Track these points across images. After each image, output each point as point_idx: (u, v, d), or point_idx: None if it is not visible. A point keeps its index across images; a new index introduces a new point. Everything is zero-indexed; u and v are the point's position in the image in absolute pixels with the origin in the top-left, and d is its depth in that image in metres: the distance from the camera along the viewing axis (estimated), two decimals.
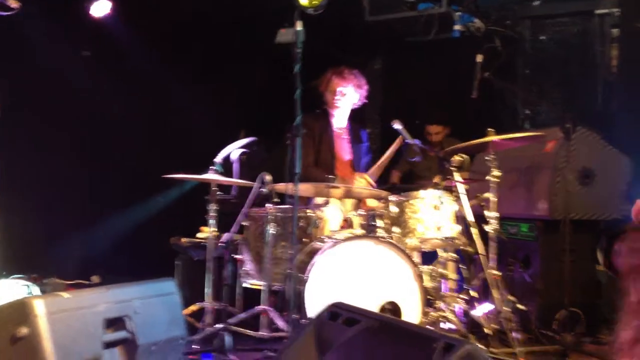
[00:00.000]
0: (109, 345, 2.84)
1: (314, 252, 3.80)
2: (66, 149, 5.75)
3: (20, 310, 2.62)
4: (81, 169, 5.83)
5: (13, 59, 5.05)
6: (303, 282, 3.67)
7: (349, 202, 4.64)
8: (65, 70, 5.60)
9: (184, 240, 4.89)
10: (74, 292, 3.23)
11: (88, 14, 5.49)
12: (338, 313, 2.68)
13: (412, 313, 3.72)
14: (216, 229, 4.23)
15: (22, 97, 4.97)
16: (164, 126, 5.96)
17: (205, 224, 4.34)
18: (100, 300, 2.95)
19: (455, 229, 4.10)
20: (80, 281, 5.45)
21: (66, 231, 5.64)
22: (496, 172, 4.05)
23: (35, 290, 4.91)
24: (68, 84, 5.62)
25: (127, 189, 5.84)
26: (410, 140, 4.54)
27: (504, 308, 3.85)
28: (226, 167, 4.85)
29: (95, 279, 5.60)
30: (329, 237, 3.94)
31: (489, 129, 4.05)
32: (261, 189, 4.14)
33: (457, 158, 4.09)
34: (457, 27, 5.92)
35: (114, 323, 2.89)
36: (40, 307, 2.60)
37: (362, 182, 4.57)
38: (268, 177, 4.12)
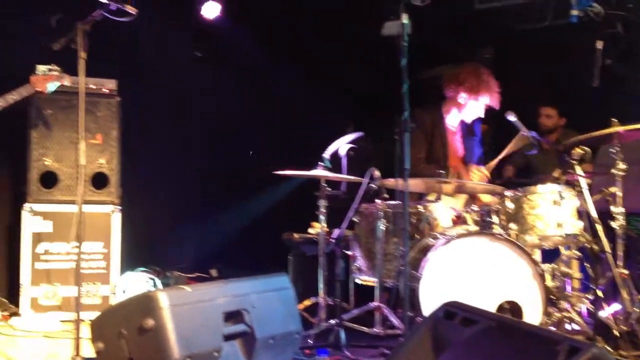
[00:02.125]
0: (229, 337, 2.93)
1: (426, 249, 3.75)
2: (184, 146, 5.98)
3: (146, 303, 2.75)
4: (198, 165, 6.05)
5: (130, 60, 5.27)
6: (416, 280, 3.63)
7: (462, 198, 4.53)
8: (179, 70, 5.82)
9: (296, 235, 4.97)
10: (195, 285, 3.37)
11: (200, 15, 5.69)
12: (454, 312, 2.62)
13: (533, 313, 3.60)
14: (326, 225, 4.27)
15: (139, 97, 5.18)
16: (272, 121, 6.07)
17: (316, 219, 4.38)
18: (219, 294, 3.05)
19: (577, 226, 3.92)
20: (200, 274, 5.65)
21: (186, 226, 5.87)
22: (622, 165, 3.82)
23: (159, 283, 5.16)
24: (182, 84, 5.84)
25: (241, 184, 6.00)
26: (526, 132, 4.37)
27: (634, 309, 3.64)
28: (335, 163, 4.87)
29: (213, 272, 5.79)
30: (442, 234, 3.87)
31: (612, 120, 3.83)
32: (370, 185, 4.12)
33: (578, 150, 3.89)
34: (574, 12, 5.62)
35: (233, 316, 2.98)
36: (164, 300, 2.72)
37: (477, 176, 4.45)
38: (377, 173, 4.10)
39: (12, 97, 3.81)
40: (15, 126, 4.60)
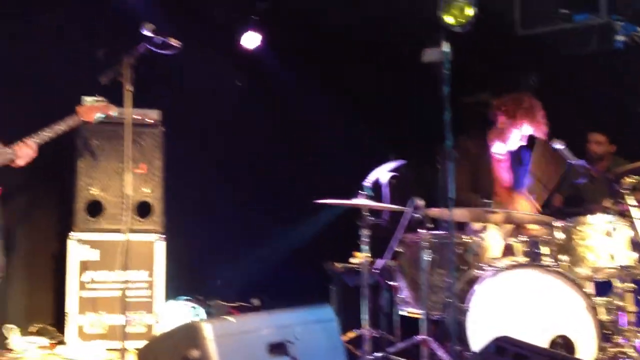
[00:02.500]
0: None
1: (473, 281, 3.66)
2: (226, 174, 6.01)
3: (191, 333, 2.74)
4: (240, 194, 6.07)
5: (172, 90, 5.36)
6: (464, 312, 3.54)
7: (509, 228, 4.44)
8: (220, 100, 5.90)
9: (337, 265, 4.92)
10: (239, 316, 3.35)
11: (240, 46, 5.77)
12: (505, 347, 2.56)
13: (586, 349, 3.46)
14: (369, 255, 4.22)
15: (181, 126, 5.25)
16: (314, 150, 6.07)
17: (358, 248, 4.33)
18: (263, 325, 3.02)
19: (631, 257, 3.79)
20: (242, 303, 5.64)
21: (228, 255, 5.88)
22: None
23: (201, 311, 5.16)
24: (223, 113, 5.91)
25: (283, 213, 6.00)
26: (573, 161, 4.28)
27: None
28: (376, 191, 4.83)
29: (255, 301, 5.77)
30: (489, 265, 3.77)
31: None
32: (413, 214, 4.07)
33: (629, 179, 3.79)
34: (619, 37, 5.52)
35: (277, 348, 2.94)
36: (209, 331, 2.70)
37: (525, 205, 4.35)
38: (420, 202, 4.04)
39: (60, 127, 3.89)
40: (63, 157, 4.69)
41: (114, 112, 4.23)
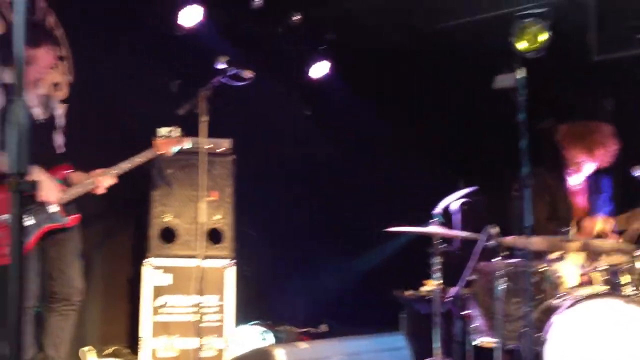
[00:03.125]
0: None
1: (551, 311, 3.56)
2: (295, 201, 6.07)
3: (264, 358, 2.76)
4: (309, 221, 6.11)
5: (243, 120, 5.46)
6: (541, 343, 3.44)
7: (587, 257, 4.29)
8: (289, 128, 5.99)
9: (408, 293, 4.87)
10: (309, 342, 3.36)
11: (308, 75, 5.84)
12: None
13: None
14: (441, 282, 4.16)
15: (249, 153, 5.33)
16: (382, 177, 6.05)
17: (429, 276, 4.28)
18: (334, 352, 3.02)
19: None
20: (310, 329, 5.64)
21: (297, 280, 5.91)
22: None
23: (270, 337, 5.18)
24: (291, 141, 5.99)
25: (352, 240, 5.99)
26: None
27: None
28: (446, 218, 4.77)
29: (323, 327, 5.75)
30: (568, 295, 3.67)
31: None
32: (487, 242, 3.99)
33: None
34: None
35: None
36: (281, 356, 2.72)
37: (603, 233, 4.20)
38: (494, 230, 3.97)
39: (138, 159, 4.02)
40: (138, 185, 4.84)
41: (188, 144, 4.34)
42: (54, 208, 3.71)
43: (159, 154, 4.17)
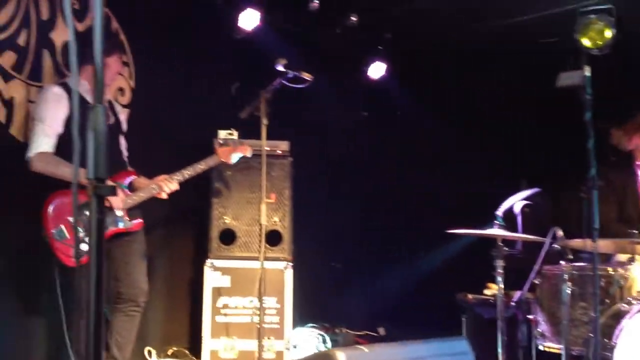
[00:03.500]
0: None
1: (620, 315, 3.46)
2: (353, 202, 6.05)
3: None
4: (367, 222, 6.08)
5: (302, 121, 5.48)
6: (610, 349, 3.35)
7: None
8: (347, 129, 5.97)
9: (470, 296, 4.79)
10: (370, 346, 3.33)
11: (366, 76, 5.82)
12: None
13: None
14: (503, 286, 4.08)
15: (309, 155, 5.34)
16: (441, 178, 5.98)
17: (491, 279, 4.20)
18: (396, 356, 2.99)
19: None
20: (368, 332, 5.61)
21: (355, 282, 5.89)
22: None
23: (328, 339, 5.18)
24: (350, 142, 5.98)
25: (409, 241, 5.95)
26: None
27: None
28: (508, 220, 4.68)
29: (381, 330, 5.72)
30: (638, 299, 3.55)
31: None
32: (552, 245, 3.90)
33: None
34: None
35: None
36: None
37: None
38: (560, 232, 3.87)
39: (200, 166, 4.10)
40: (199, 187, 4.91)
41: (249, 153, 4.40)
42: (119, 212, 3.80)
43: (221, 161, 4.21)
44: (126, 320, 3.93)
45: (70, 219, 3.54)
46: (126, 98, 4.72)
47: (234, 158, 4.30)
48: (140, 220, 3.94)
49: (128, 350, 3.99)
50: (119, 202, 3.78)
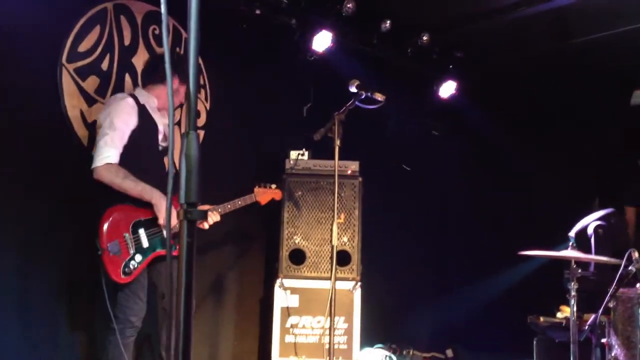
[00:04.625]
0: None
1: None
2: (421, 223, 6.03)
3: None
4: (436, 242, 6.04)
5: (373, 139, 5.52)
6: None
7: None
8: (417, 149, 5.97)
9: (542, 319, 4.69)
10: None
11: (436, 95, 5.83)
12: None
13: None
14: (576, 309, 3.98)
15: (379, 173, 5.34)
16: (512, 197, 5.90)
17: (563, 302, 4.10)
18: None
19: None
20: (436, 354, 5.55)
21: (423, 303, 5.84)
22: None
23: None
24: (419, 161, 5.97)
25: (478, 262, 5.87)
26: None
27: None
28: (581, 241, 4.57)
29: (449, 352, 5.66)
30: None
31: None
32: (628, 267, 3.79)
33: None
34: None
35: None
36: None
37: None
38: (636, 254, 3.76)
39: (239, 202, 4.18)
40: (270, 207, 5.00)
41: (279, 198, 4.52)
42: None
43: (256, 201, 4.32)
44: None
45: (126, 234, 3.61)
46: (202, 120, 4.86)
47: (266, 199, 4.40)
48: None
49: None
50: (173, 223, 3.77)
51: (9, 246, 3.79)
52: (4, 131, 3.76)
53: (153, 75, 3.97)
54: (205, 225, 3.94)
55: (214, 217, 3.98)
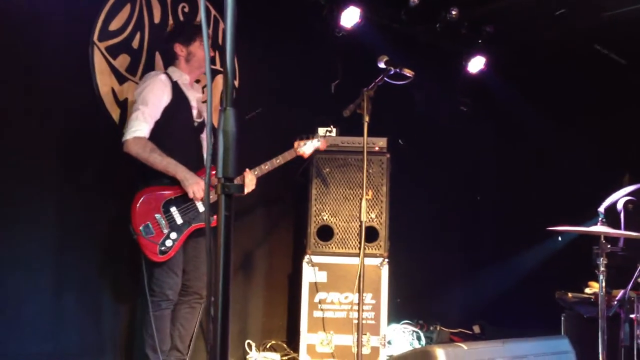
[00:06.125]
0: None
1: None
2: (448, 199, 6.03)
3: (425, 358, 2.78)
4: (461, 218, 6.04)
5: (402, 114, 5.51)
6: None
7: None
8: (445, 125, 5.95)
9: (570, 295, 4.69)
10: (470, 344, 3.32)
11: (465, 70, 5.79)
12: None
13: None
14: (605, 285, 3.97)
15: (405, 151, 5.34)
16: (541, 173, 5.87)
17: (592, 277, 4.10)
18: (496, 355, 2.98)
19: None
20: (463, 330, 5.58)
21: (450, 280, 5.86)
22: None
23: (422, 336, 5.20)
24: (448, 138, 5.95)
25: (506, 238, 5.86)
26: None
27: None
28: (610, 217, 4.55)
29: (476, 328, 5.68)
30: None
31: None
32: None
33: None
34: None
35: None
36: (442, 357, 2.72)
37: None
38: None
39: (277, 161, 4.10)
40: (299, 184, 5.03)
41: (324, 147, 4.44)
42: (202, 207, 3.82)
43: (297, 154, 4.24)
44: (189, 311, 3.99)
45: (157, 215, 3.68)
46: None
47: (308, 150, 4.29)
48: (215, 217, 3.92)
49: (188, 341, 4.03)
50: (202, 196, 3.77)
51: (49, 225, 3.89)
52: (38, 111, 3.83)
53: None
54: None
55: (248, 179, 3.93)
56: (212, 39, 4.69)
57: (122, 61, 4.21)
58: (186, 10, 4.54)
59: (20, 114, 3.76)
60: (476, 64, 5.76)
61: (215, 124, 1.70)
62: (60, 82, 3.90)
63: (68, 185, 3.96)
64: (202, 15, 1.66)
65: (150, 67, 4.27)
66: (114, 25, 4.16)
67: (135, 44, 4.28)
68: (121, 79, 4.21)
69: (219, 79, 4.66)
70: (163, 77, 3.82)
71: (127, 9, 4.23)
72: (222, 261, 1.68)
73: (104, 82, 4.12)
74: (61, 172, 3.95)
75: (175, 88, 3.85)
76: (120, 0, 4.19)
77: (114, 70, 4.17)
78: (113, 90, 4.16)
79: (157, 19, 4.40)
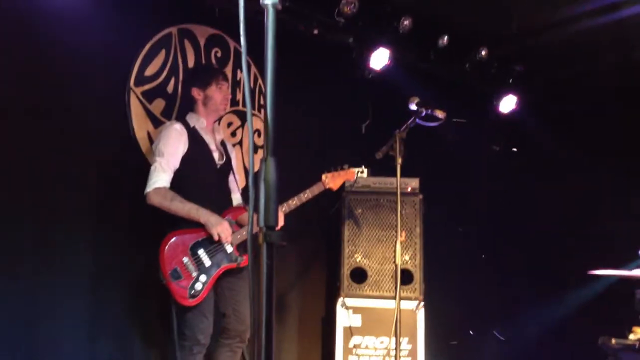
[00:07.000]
0: None
1: None
2: (484, 240, 5.93)
3: None
4: (499, 261, 5.91)
5: (432, 154, 5.47)
6: None
7: None
8: (478, 164, 5.89)
9: (614, 341, 4.53)
10: None
11: (497, 110, 5.75)
12: None
13: None
14: None
15: (438, 191, 5.29)
16: (579, 215, 5.75)
17: (636, 323, 3.97)
18: None
19: None
20: None
21: (486, 323, 5.72)
22: None
23: None
24: (480, 178, 5.89)
25: (547, 281, 5.72)
26: None
27: None
28: None
29: None
30: None
31: None
32: None
33: None
34: None
35: None
36: None
37: None
38: None
39: (305, 196, 4.01)
40: (332, 225, 4.99)
41: (353, 178, 4.31)
42: (229, 248, 3.79)
43: (326, 188, 4.14)
44: (230, 355, 3.93)
45: (184, 259, 3.65)
46: (261, 139, 4.88)
47: (338, 183, 4.20)
48: (245, 257, 3.87)
49: None
50: (230, 238, 3.77)
51: (81, 269, 3.90)
52: (76, 153, 3.88)
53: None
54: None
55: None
56: (232, 80, 4.70)
57: (157, 105, 4.26)
58: (219, 55, 4.59)
59: (58, 156, 3.80)
60: (507, 104, 5.72)
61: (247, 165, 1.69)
62: (98, 126, 3.96)
63: (101, 227, 3.98)
64: (243, 66, 1.66)
65: (184, 110, 4.31)
66: (149, 71, 4.23)
67: (170, 88, 4.33)
68: (157, 122, 4.25)
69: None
70: (178, 126, 3.85)
71: (162, 55, 4.30)
72: (264, 310, 1.64)
73: (140, 126, 4.17)
74: (98, 217, 3.98)
75: (193, 134, 3.87)
76: (156, 46, 4.26)
77: (149, 114, 4.23)
78: (149, 134, 4.21)
79: (190, 63, 4.46)
